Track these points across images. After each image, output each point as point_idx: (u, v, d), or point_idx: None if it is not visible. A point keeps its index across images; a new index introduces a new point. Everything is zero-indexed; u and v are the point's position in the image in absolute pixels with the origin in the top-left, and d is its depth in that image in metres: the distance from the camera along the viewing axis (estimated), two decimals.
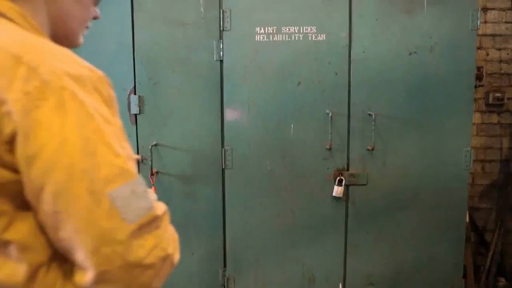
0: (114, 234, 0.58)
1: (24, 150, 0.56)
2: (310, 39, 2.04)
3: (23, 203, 0.60)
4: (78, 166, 0.57)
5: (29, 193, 0.58)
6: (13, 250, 0.60)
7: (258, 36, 2.05)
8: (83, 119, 0.59)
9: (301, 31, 2.04)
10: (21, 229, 0.60)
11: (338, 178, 2.08)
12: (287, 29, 2.04)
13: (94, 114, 0.61)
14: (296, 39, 2.04)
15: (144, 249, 0.61)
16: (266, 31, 2.05)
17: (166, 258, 0.66)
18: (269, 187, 2.12)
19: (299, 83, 2.06)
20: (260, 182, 2.13)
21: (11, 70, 0.57)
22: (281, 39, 2.05)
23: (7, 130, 0.56)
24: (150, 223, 0.63)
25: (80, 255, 0.58)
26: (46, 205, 0.57)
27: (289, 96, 2.07)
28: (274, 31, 2.04)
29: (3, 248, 0.60)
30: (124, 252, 0.58)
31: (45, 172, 0.56)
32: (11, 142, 0.56)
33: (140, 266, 0.60)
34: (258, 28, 2.04)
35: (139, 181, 0.64)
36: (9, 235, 0.60)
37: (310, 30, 2.04)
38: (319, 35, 2.04)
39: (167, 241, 0.68)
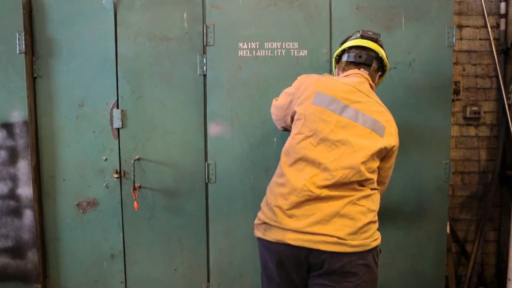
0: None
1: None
2: (292, 54, 2.08)
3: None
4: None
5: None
6: (369, 183, 1.54)
7: (242, 51, 2.07)
8: None
9: (284, 46, 2.08)
10: (376, 173, 1.58)
11: None
12: (270, 45, 2.07)
13: None
14: (279, 54, 2.08)
15: None
16: (249, 46, 2.07)
17: None
18: (253, 201, 2.12)
19: None
20: (244, 196, 2.12)
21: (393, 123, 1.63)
22: (264, 54, 2.08)
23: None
24: None
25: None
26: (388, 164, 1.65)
27: None
28: (257, 46, 2.07)
29: (369, 181, 1.54)
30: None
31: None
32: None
33: None
34: (241, 43, 2.07)
35: None
36: (372, 176, 1.54)
37: (292, 46, 2.07)
38: (301, 50, 2.08)
39: None
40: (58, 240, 2.21)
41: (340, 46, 1.78)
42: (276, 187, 1.57)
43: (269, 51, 2.08)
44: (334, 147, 1.52)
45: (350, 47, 1.72)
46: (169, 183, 2.17)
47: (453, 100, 2.51)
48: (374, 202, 1.57)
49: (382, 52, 1.72)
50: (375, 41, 1.72)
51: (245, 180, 2.12)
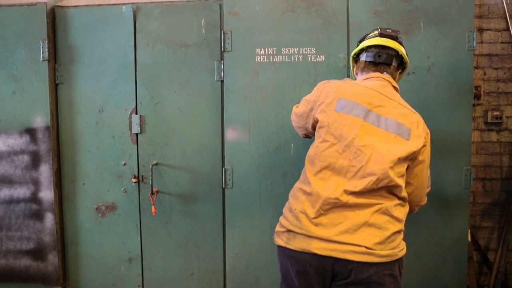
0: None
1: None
2: (309, 60, 2.07)
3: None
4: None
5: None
6: (398, 189, 1.48)
7: (259, 57, 2.08)
8: None
9: (301, 52, 2.07)
10: (403, 179, 1.51)
11: None
12: (287, 50, 2.07)
13: None
14: (296, 60, 2.08)
15: None
16: (266, 52, 2.08)
17: None
18: (270, 206, 2.11)
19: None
20: (260, 202, 2.12)
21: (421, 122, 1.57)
22: (280, 60, 2.08)
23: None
24: None
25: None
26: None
27: (289, 116, 2.08)
28: (274, 52, 2.08)
29: (398, 188, 1.48)
30: None
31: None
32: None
33: None
34: (259, 49, 2.08)
35: None
36: (400, 182, 1.48)
37: (309, 51, 2.07)
38: (318, 56, 2.07)
39: None
40: (78, 243, 2.25)
41: (358, 45, 1.72)
42: (302, 194, 1.54)
43: (286, 56, 2.08)
44: (359, 153, 1.48)
45: (369, 46, 1.65)
46: (186, 187, 2.18)
47: (474, 105, 2.46)
48: (401, 211, 1.53)
49: (402, 50, 1.66)
50: (395, 38, 1.65)
51: (262, 185, 2.11)
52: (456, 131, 2.08)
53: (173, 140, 2.18)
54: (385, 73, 1.64)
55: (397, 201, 1.51)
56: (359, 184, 1.46)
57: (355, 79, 1.77)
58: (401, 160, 1.49)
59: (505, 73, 2.58)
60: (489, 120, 2.56)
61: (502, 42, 2.57)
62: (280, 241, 1.55)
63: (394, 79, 1.67)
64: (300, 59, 2.08)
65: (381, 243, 1.45)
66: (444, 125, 2.08)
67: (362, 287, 1.46)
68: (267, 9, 2.08)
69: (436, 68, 2.07)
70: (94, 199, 2.22)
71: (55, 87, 2.20)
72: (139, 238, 2.21)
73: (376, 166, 1.46)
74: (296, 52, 2.07)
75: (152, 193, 2.13)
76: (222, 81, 2.13)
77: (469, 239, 2.31)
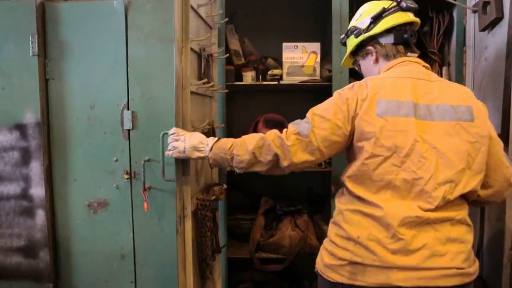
0: None
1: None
2: None
3: None
4: None
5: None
6: (475, 195, 1.30)
7: None
8: None
9: None
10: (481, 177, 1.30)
11: None
12: None
13: None
14: None
15: None
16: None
17: None
18: None
19: None
20: None
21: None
22: None
23: None
24: None
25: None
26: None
27: None
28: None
29: (475, 193, 1.29)
30: None
31: None
32: None
33: None
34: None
35: None
36: (478, 185, 1.29)
37: None
38: None
39: None
40: (70, 240, 2.23)
41: (373, 22, 1.38)
42: (362, 217, 1.28)
43: None
44: (423, 160, 1.22)
45: (395, 26, 1.37)
46: None
47: None
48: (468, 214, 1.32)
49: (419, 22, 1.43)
50: (417, 11, 1.40)
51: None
52: None
53: (165, 136, 2.17)
54: (409, 53, 1.39)
55: (468, 205, 1.32)
56: (433, 200, 1.22)
57: (369, 70, 1.47)
58: (471, 152, 1.24)
59: None
60: None
61: None
62: (340, 277, 1.28)
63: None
64: None
65: (467, 259, 1.25)
66: None
67: None
68: None
69: None
70: (85, 196, 2.20)
71: (45, 82, 2.17)
72: (131, 234, 2.20)
73: (447, 173, 1.22)
74: None
75: (145, 189, 2.12)
76: None
77: None
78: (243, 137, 1.47)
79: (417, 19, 1.41)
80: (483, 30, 2.08)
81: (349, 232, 1.28)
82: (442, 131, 1.24)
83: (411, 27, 1.40)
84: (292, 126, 1.37)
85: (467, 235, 1.28)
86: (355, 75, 2.63)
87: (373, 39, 1.41)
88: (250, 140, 1.40)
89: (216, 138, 1.55)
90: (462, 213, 1.27)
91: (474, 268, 1.26)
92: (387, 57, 1.40)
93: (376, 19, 1.39)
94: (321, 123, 1.30)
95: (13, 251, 2.19)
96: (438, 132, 1.24)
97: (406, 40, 1.37)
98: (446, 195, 1.22)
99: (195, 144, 1.54)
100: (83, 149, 2.18)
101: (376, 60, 1.43)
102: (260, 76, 2.68)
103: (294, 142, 1.32)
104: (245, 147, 1.40)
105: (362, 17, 1.46)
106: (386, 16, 1.38)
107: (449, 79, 2.45)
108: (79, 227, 2.22)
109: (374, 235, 1.23)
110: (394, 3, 1.38)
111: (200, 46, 2.08)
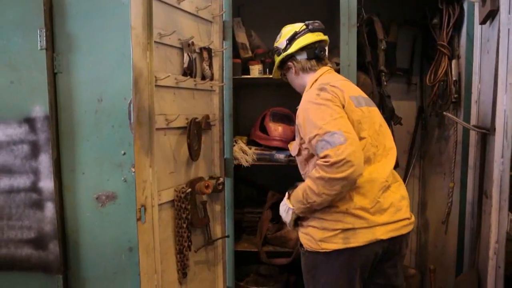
0: None
1: None
2: None
3: None
4: None
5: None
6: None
7: None
8: None
9: None
10: None
11: None
12: None
13: None
14: None
15: None
16: None
17: None
18: None
19: None
20: None
21: None
22: None
23: None
24: None
25: None
26: None
27: None
28: None
29: None
30: None
31: None
32: None
33: None
34: None
35: None
36: None
37: None
38: None
39: None
40: (78, 232, 2.26)
41: (288, 44, 1.72)
42: (347, 191, 1.50)
43: None
44: (383, 135, 1.64)
45: (307, 45, 1.72)
46: None
47: None
48: None
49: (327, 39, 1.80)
50: (323, 30, 1.76)
51: None
52: None
53: None
54: (328, 64, 1.77)
55: None
56: (390, 162, 1.61)
57: (293, 80, 1.82)
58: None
59: None
60: None
61: None
62: (335, 245, 1.52)
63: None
64: None
65: (411, 210, 1.64)
66: None
67: (397, 256, 1.62)
68: None
69: None
70: (94, 189, 2.22)
71: (53, 76, 2.19)
72: None
73: (391, 140, 1.65)
74: None
75: None
76: None
77: None
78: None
79: (326, 37, 1.76)
80: (482, 22, 2.04)
81: (339, 205, 1.53)
82: (371, 113, 1.62)
83: (320, 44, 1.73)
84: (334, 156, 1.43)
85: (406, 192, 1.67)
86: (363, 68, 2.61)
87: (291, 57, 1.73)
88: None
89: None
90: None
91: (413, 218, 1.64)
92: (304, 70, 1.72)
93: (291, 40, 1.72)
94: (338, 121, 1.49)
95: (23, 243, 2.23)
96: (370, 114, 1.61)
97: (317, 55, 1.70)
98: (395, 157, 1.64)
99: (283, 216, 1.72)
100: (91, 142, 2.20)
101: (296, 73, 1.74)
102: (267, 70, 2.66)
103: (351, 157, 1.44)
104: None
105: (280, 40, 1.79)
106: (298, 37, 1.70)
107: (459, 73, 2.41)
108: (88, 219, 2.24)
109: (359, 205, 1.52)
110: (304, 27, 1.71)
111: (181, 41, 2.05)
